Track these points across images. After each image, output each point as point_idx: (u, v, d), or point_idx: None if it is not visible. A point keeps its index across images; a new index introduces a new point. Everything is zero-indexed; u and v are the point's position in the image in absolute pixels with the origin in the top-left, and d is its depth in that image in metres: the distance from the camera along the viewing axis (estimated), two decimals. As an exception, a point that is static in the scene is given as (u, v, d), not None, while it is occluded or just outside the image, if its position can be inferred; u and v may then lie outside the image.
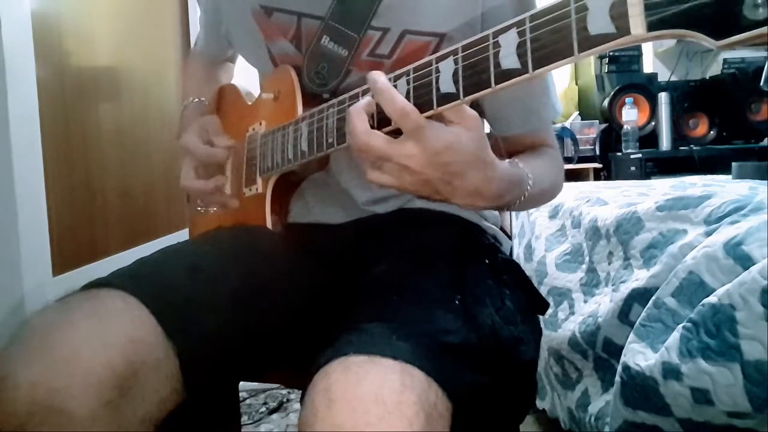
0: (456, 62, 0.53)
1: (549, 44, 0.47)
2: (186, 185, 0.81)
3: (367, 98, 0.58)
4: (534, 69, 0.48)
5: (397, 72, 0.59)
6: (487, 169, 0.56)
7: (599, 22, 0.44)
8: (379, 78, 0.55)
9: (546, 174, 0.72)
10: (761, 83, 1.46)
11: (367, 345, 0.53)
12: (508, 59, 0.49)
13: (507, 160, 0.63)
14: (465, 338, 0.59)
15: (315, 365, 0.53)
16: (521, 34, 0.48)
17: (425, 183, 0.55)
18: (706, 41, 0.40)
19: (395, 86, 0.58)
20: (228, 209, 0.84)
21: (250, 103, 0.91)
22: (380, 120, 0.58)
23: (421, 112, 0.55)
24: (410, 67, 0.57)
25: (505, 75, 0.50)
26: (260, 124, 0.83)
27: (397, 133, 0.56)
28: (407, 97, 0.56)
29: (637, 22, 0.42)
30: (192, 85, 0.99)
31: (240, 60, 0.96)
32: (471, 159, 0.54)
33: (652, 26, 0.41)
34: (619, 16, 0.43)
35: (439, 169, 0.54)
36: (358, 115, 0.56)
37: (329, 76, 0.75)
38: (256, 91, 0.90)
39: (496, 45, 0.50)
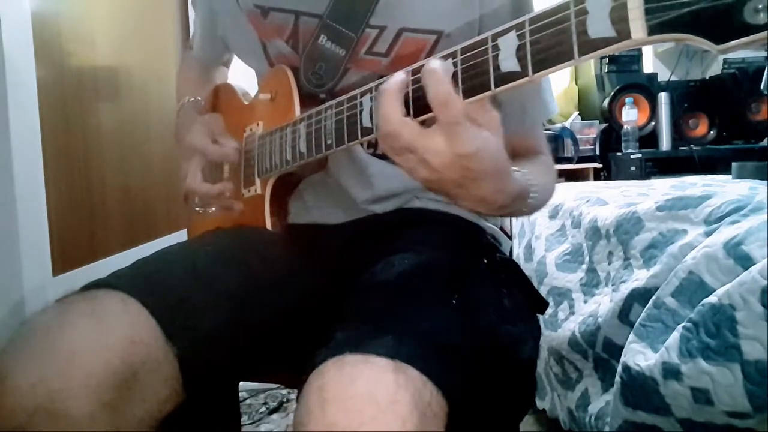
0: (455, 65, 0.53)
1: (549, 47, 0.46)
2: (193, 187, 0.79)
3: (401, 75, 0.54)
4: (534, 72, 0.48)
5: (396, 74, 0.58)
6: (499, 181, 0.54)
7: (599, 26, 0.43)
8: (432, 60, 0.52)
9: (546, 188, 0.70)
10: (762, 87, 1.46)
11: (361, 344, 0.52)
12: (508, 62, 0.49)
13: (516, 170, 0.60)
14: (462, 337, 0.59)
15: (310, 365, 0.53)
16: (521, 36, 0.48)
17: (438, 181, 0.52)
18: (707, 45, 0.40)
19: None
20: (230, 212, 0.84)
21: (246, 103, 0.91)
22: (417, 108, 0.54)
23: (421, 115, 0.54)
24: (409, 69, 0.57)
25: (504, 78, 0.50)
26: (257, 124, 0.83)
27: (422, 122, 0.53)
28: (406, 99, 0.55)
29: (637, 26, 0.42)
30: (187, 88, 0.99)
31: (238, 61, 0.95)
32: (490, 169, 0.52)
33: (652, 30, 0.41)
34: (620, 20, 0.42)
35: (458, 172, 0.51)
36: (393, 98, 0.52)
37: (326, 76, 0.75)
38: (253, 92, 0.90)
39: (496, 48, 0.50)
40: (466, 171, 0.51)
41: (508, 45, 0.49)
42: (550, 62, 0.46)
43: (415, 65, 0.55)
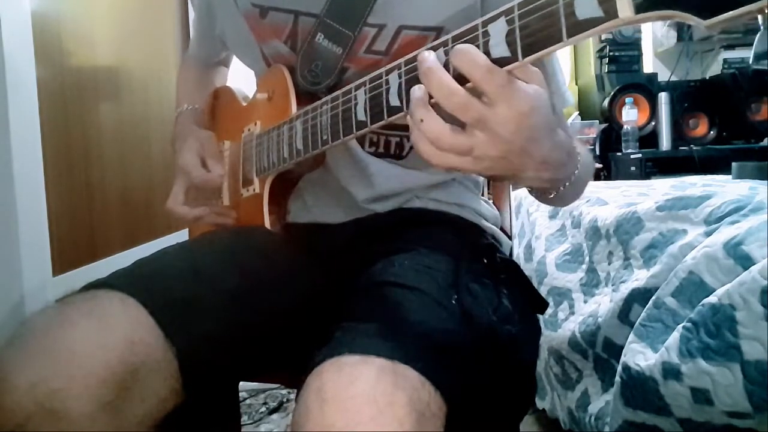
0: (446, 53, 0.53)
1: (537, 31, 0.46)
2: (172, 208, 0.83)
3: (429, 52, 0.50)
4: (524, 56, 0.48)
5: (389, 66, 0.58)
6: (553, 135, 0.52)
7: (587, 7, 0.43)
8: (428, 56, 0.49)
9: (585, 157, 0.65)
10: (751, 60, 1.46)
11: (360, 345, 0.52)
12: (498, 48, 0.49)
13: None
14: (461, 338, 0.59)
15: (309, 365, 0.53)
16: (510, 22, 0.48)
17: (506, 156, 0.49)
18: (694, 21, 0.39)
19: (387, 80, 0.57)
20: (221, 225, 0.85)
21: (245, 104, 0.91)
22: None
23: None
24: (401, 60, 0.56)
25: (496, 64, 0.50)
26: (255, 124, 0.83)
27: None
28: (399, 90, 0.55)
29: (624, 5, 0.42)
30: (186, 92, 0.99)
31: (238, 62, 0.96)
32: (546, 121, 0.49)
33: (639, 8, 0.41)
34: None
35: (525, 133, 0.48)
36: (443, 72, 0.48)
37: (323, 74, 0.75)
38: (252, 94, 0.90)
39: (486, 34, 0.50)
40: (529, 131, 0.48)
41: (498, 31, 0.49)
42: (539, 46, 0.46)
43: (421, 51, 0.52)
